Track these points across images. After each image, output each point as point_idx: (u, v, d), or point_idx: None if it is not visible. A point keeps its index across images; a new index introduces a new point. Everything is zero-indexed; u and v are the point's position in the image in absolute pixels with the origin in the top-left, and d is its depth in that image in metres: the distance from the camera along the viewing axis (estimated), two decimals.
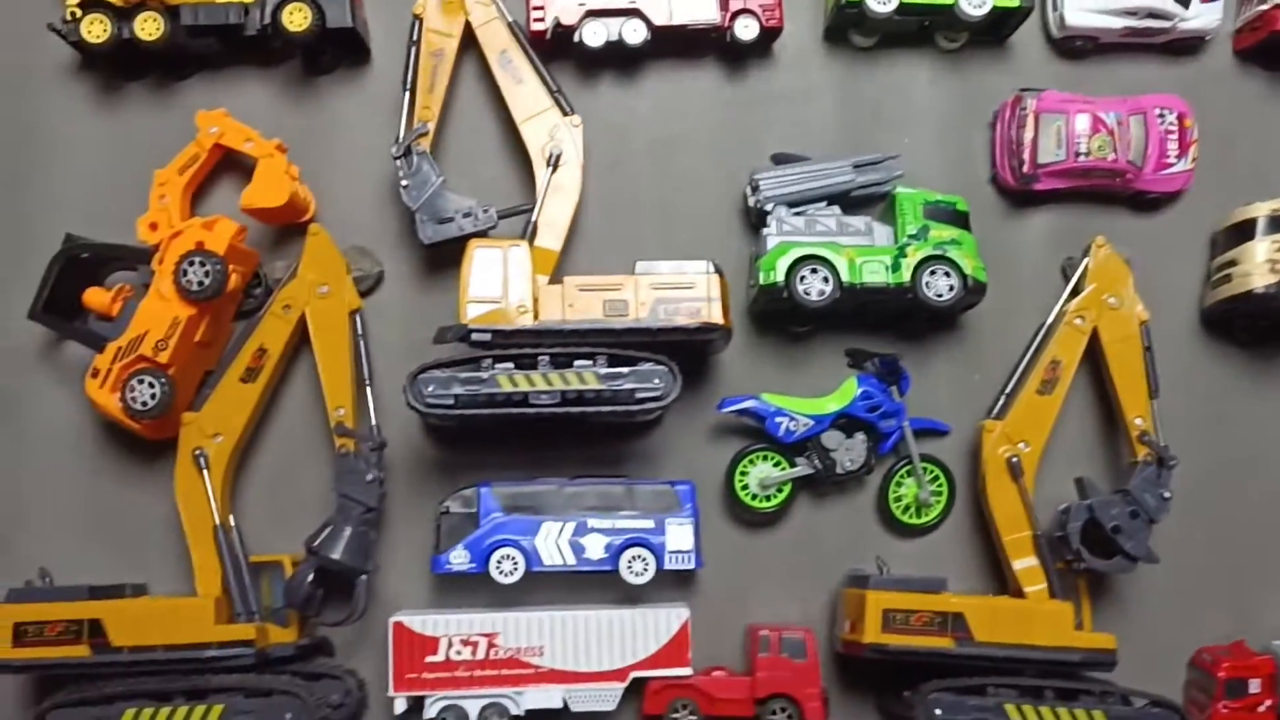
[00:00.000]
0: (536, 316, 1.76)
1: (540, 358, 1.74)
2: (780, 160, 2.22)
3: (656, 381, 1.75)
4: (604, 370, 1.74)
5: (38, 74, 1.91)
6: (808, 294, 2.12)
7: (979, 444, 2.10)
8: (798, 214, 2.22)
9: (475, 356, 1.76)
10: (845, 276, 2.20)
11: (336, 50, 1.95)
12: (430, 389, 1.74)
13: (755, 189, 2.17)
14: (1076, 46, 2.00)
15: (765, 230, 2.23)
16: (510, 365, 1.75)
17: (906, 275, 2.22)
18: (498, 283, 1.77)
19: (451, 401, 1.73)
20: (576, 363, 1.75)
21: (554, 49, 1.93)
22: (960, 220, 2.35)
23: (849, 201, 2.28)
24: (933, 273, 2.19)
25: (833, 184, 2.22)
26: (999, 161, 1.96)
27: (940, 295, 2.18)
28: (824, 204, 2.27)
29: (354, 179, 1.95)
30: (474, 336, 1.74)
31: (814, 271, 2.17)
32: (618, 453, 1.94)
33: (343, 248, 1.91)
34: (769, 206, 2.18)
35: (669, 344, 1.79)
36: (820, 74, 2.01)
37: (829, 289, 2.15)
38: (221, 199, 1.93)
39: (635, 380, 1.75)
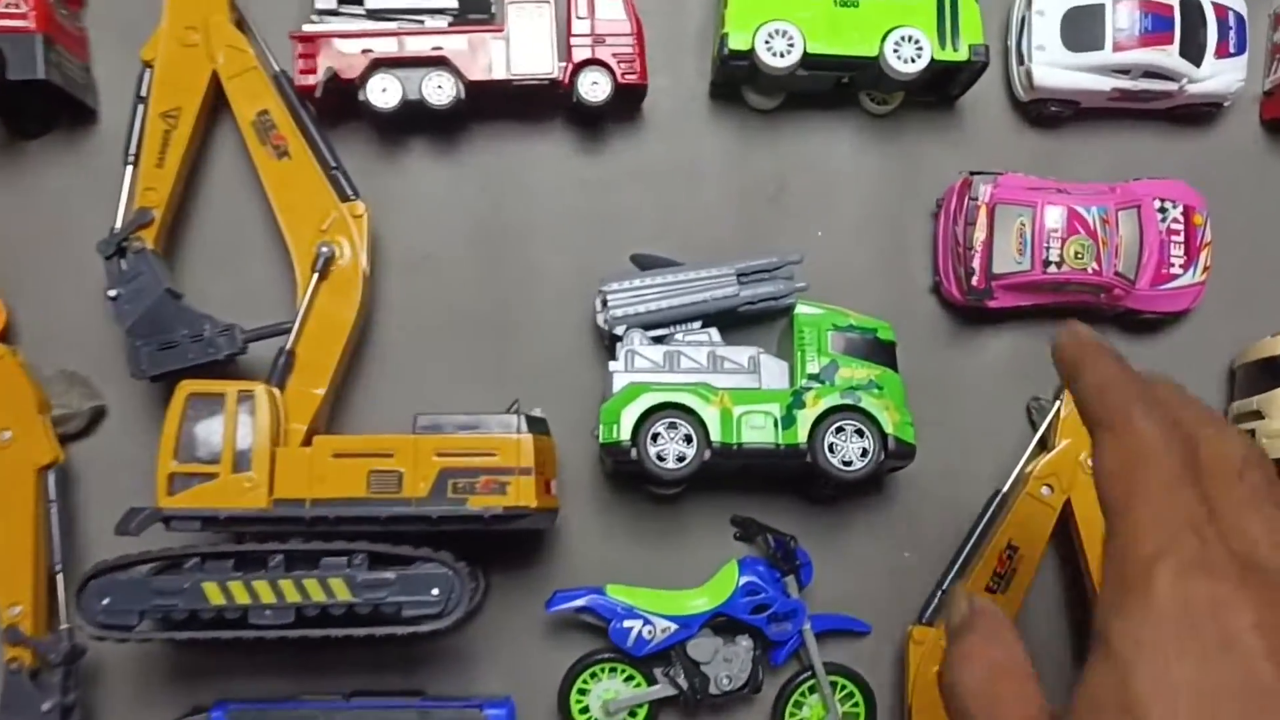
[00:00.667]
0: (272, 494, 1.24)
1: (272, 556, 1.23)
2: (642, 264, 1.32)
3: (435, 592, 1.24)
4: (361, 576, 1.23)
5: None
6: (662, 460, 1.18)
7: (906, 651, 1.52)
8: (658, 340, 1.26)
9: (179, 553, 1.25)
10: (716, 434, 1.20)
11: (47, 108, 1.44)
12: (105, 602, 1.23)
13: (604, 304, 1.29)
14: (1050, 113, 1.48)
15: (612, 364, 1.26)
16: (228, 566, 1.24)
17: (802, 433, 1.21)
18: (217, 442, 1.26)
19: (135, 620, 1.22)
20: (323, 563, 1.24)
21: (337, 110, 1.42)
22: (883, 354, 1.29)
23: (733, 322, 1.32)
24: (839, 430, 1.21)
25: (709, 299, 1.29)
26: (942, 266, 1.44)
27: (849, 463, 1.21)
28: (696, 325, 1.29)
29: (68, 281, 1.44)
30: (175, 525, 1.23)
31: (672, 427, 1.19)
32: (411, 657, 1.42)
33: (45, 375, 1.40)
34: (619, 329, 1.27)
35: (458, 534, 1.28)
36: (705, 143, 1.48)
37: (691, 454, 1.18)
38: None
39: (403, 591, 1.24)
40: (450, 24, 1.40)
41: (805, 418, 1.21)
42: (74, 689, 1.35)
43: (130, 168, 1.38)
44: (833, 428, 1.21)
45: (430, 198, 1.47)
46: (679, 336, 1.26)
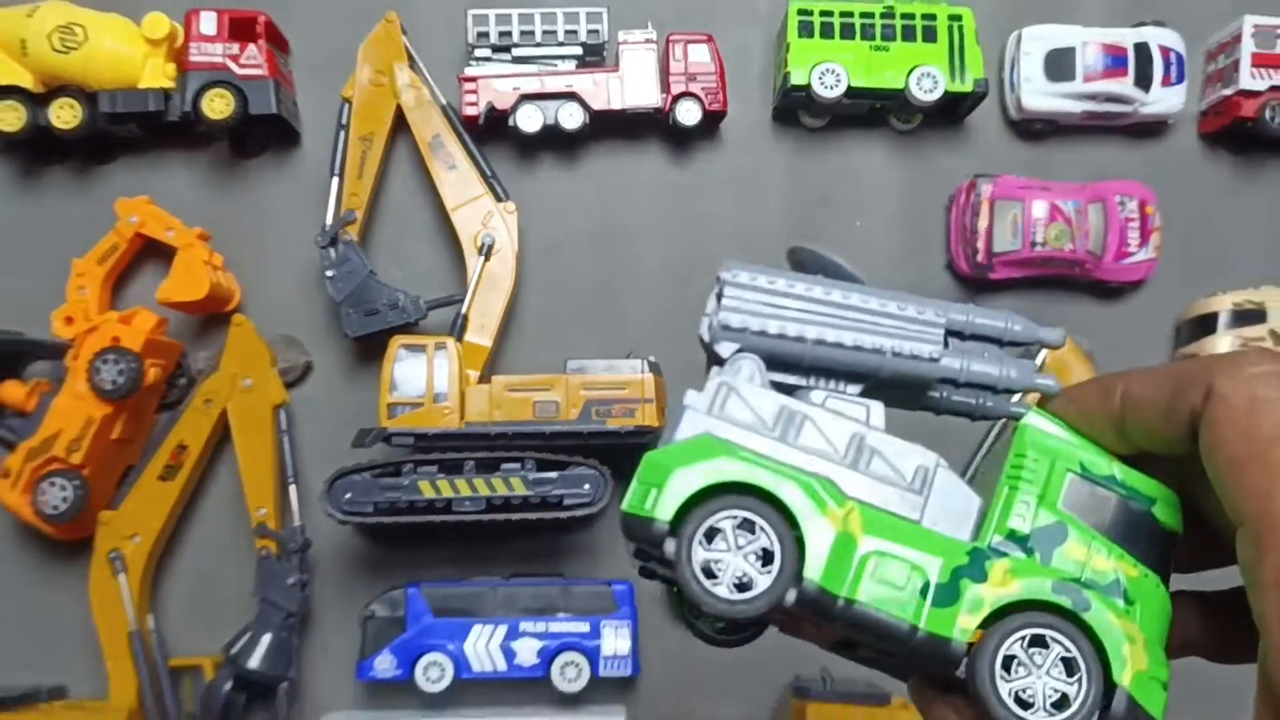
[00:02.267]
0: (463, 418, 1.70)
1: (465, 463, 1.68)
2: (802, 264, 0.61)
3: (586, 487, 1.69)
4: (532, 475, 1.68)
5: None
6: (712, 576, 0.52)
7: None
8: (780, 386, 0.58)
9: (397, 461, 1.70)
10: (816, 571, 0.52)
11: (264, 134, 1.89)
12: (348, 496, 1.68)
13: (718, 299, 0.58)
14: (1035, 129, 1.93)
15: (691, 396, 0.56)
16: (434, 469, 1.69)
17: (965, 623, 0.52)
18: (422, 381, 1.71)
19: (370, 509, 1.67)
20: (504, 467, 1.69)
21: (489, 133, 1.87)
22: (1152, 544, 0.55)
23: (898, 397, 0.60)
24: (1033, 643, 0.51)
25: (887, 351, 0.57)
26: (953, 249, 1.89)
27: (1029, 705, 0.51)
28: (852, 390, 0.59)
29: (282, 266, 1.88)
30: (395, 440, 1.68)
31: (745, 529, 0.52)
32: (555, 548, 1.87)
33: (269, 338, 1.85)
34: (725, 346, 0.57)
35: (601, 447, 1.73)
36: (768, 156, 1.94)
37: (761, 584, 0.52)
38: (144, 287, 1.87)
39: (563, 486, 1.69)
40: (577, 66, 1.86)
41: (979, 600, 0.53)
42: (305, 570, 1.80)
43: (336, 179, 1.83)
44: (1022, 637, 0.53)
45: (559, 200, 1.92)
46: (815, 395, 0.59)
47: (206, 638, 1.81)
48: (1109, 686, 0.50)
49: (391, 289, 1.80)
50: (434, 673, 1.75)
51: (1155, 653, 0.51)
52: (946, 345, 0.57)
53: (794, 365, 0.57)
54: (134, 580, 1.77)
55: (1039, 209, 1.84)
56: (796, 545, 0.52)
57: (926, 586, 0.52)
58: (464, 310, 1.79)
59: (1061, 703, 0.50)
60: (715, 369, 0.56)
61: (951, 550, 0.53)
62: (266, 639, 1.73)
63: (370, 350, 1.86)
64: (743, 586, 0.52)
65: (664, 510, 0.52)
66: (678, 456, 0.53)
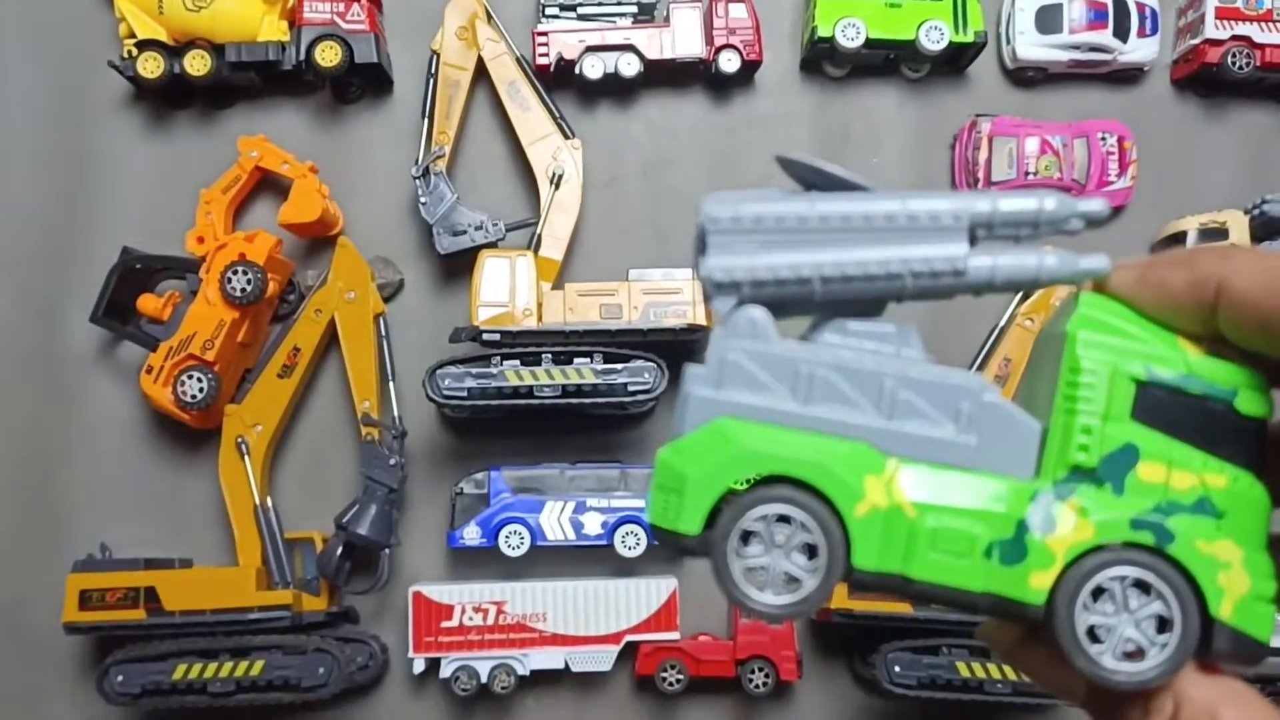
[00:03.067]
0: (540, 319, 1.99)
1: (543, 356, 1.98)
2: (801, 176, 0.49)
3: (646, 376, 1.98)
4: (600, 366, 1.98)
5: (97, 105, 2.14)
6: (756, 579, 0.47)
7: None
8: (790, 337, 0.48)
9: (486, 355, 2.00)
10: (870, 558, 0.46)
11: (363, 82, 2.18)
12: (446, 383, 1.99)
13: (702, 245, 0.48)
14: (1028, 76, 2.22)
15: (693, 370, 0.48)
16: (516, 362, 1.99)
17: (1040, 581, 0.45)
18: (506, 289, 2.01)
19: (464, 394, 1.98)
20: (576, 360, 1.99)
21: (557, 80, 2.17)
22: (1237, 441, 0.46)
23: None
24: (1109, 589, 0.45)
25: (909, 265, 0.47)
26: (957, 179, 2.19)
27: (1127, 654, 0.45)
28: (873, 322, 0.49)
29: (378, 197, 2.18)
30: (484, 337, 1.98)
31: (782, 523, 0.47)
32: (612, 441, 2.17)
33: (368, 258, 2.13)
34: (724, 301, 0.49)
35: (659, 343, 2.04)
36: (797, 101, 2.24)
37: (811, 580, 0.47)
38: (260, 215, 2.17)
39: (628, 375, 1.99)
40: (633, 22, 2.17)
41: (1049, 554, 0.46)
42: (402, 453, 2.10)
43: (426, 120, 2.13)
44: (1101, 581, 0.46)
45: (617, 138, 2.22)
46: (830, 337, 0.49)
47: (316, 516, 2.12)
48: (1206, 619, 0.44)
49: (475, 213, 2.10)
50: (514, 540, 2.06)
51: (1257, 565, 0.44)
52: (972, 242, 0.47)
53: (805, 306, 0.48)
54: (256, 463, 2.07)
55: (1031, 144, 2.14)
56: (841, 529, 0.46)
57: (990, 548, 0.45)
58: (538, 230, 2.09)
59: (1157, 644, 0.44)
60: (715, 330, 0.49)
61: (1013, 497, 0.46)
62: (373, 510, 2.03)
63: (454, 270, 2.16)
64: (791, 582, 0.46)
65: (689, 523, 0.47)
66: (691, 457, 0.46)
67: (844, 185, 0.48)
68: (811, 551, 0.46)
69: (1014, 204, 0.47)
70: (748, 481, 0.47)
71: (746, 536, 0.47)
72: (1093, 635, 0.45)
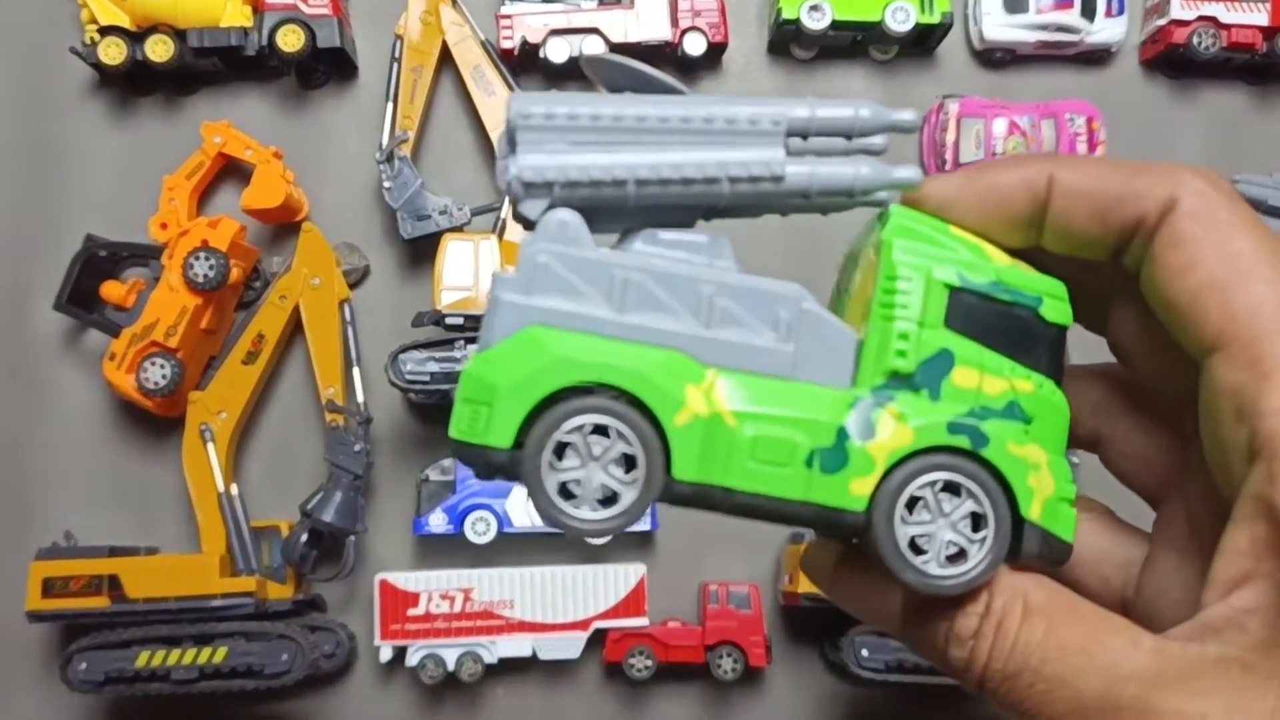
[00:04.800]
0: None
1: None
2: (608, 79, 0.51)
3: None
4: None
5: (60, 92, 2.17)
6: (570, 496, 0.46)
7: None
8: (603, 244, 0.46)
9: (449, 339, 2.03)
10: (688, 469, 0.46)
11: (327, 67, 2.21)
12: (409, 367, 2.01)
13: (511, 144, 0.47)
14: (996, 58, 2.25)
15: (499, 276, 0.47)
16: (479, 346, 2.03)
17: (860, 489, 0.46)
18: (469, 273, 2.04)
19: (427, 378, 2.01)
20: None
21: (522, 64, 2.20)
22: (1042, 349, 0.48)
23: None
24: (925, 494, 0.47)
25: (725, 170, 0.47)
26: (925, 160, 2.23)
27: (943, 561, 0.47)
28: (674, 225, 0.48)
29: (342, 182, 2.21)
30: (447, 320, 2.01)
31: (598, 435, 0.46)
32: None
33: (333, 244, 2.16)
34: (532, 205, 0.47)
35: None
36: (764, 83, 2.27)
37: (628, 495, 0.46)
38: (224, 201, 2.20)
39: None
40: (598, 5, 2.20)
41: (869, 459, 0.46)
42: (367, 440, 2.13)
43: (390, 104, 2.16)
44: (918, 488, 0.47)
45: None
46: (642, 245, 0.49)
47: (282, 503, 2.14)
48: (1017, 520, 0.45)
49: (440, 198, 2.13)
50: (480, 527, 2.09)
51: (1059, 468, 0.47)
52: (789, 152, 0.47)
53: (618, 213, 0.48)
54: (220, 450, 2.09)
55: (999, 125, 2.17)
56: (660, 440, 0.45)
57: (811, 455, 0.45)
58: (502, 215, 2.12)
59: (968, 550, 0.45)
60: (525, 237, 0.47)
61: (832, 405, 0.46)
62: (338, 497, 2.06)
63: (419, 256, 2.20)
64: (607, 501, 0.45)
65: (499, 436, 0.45)
66: (501, 367, 0.45)
67: (660, 87, 0.48)
68: (630, 463, 0.45)
69: (831, 110, 0.48)
70: (561, 390, 0.45)
71: (561, 450, 0.45)
72: (915, 547, 0.46)
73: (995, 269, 0.47)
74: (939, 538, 0.46)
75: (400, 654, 2.10)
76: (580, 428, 0.45)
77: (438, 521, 2.10)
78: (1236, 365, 0.42)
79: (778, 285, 0.47)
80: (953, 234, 0.48)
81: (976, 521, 0.46)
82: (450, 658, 2.08)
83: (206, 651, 1.96)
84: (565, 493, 0.45)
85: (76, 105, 2.20)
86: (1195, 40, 2.13)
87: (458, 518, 2.09)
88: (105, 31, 2.08)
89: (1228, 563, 0.41)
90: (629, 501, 0.45)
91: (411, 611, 2.08)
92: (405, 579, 2.09)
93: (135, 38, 2.10)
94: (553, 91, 0.52)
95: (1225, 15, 2.11)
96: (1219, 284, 0.42)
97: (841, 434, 0.46)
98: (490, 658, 2.09)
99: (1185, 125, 2.26)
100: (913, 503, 0.46)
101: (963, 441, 0.45)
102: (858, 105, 0.48)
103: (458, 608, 2.09)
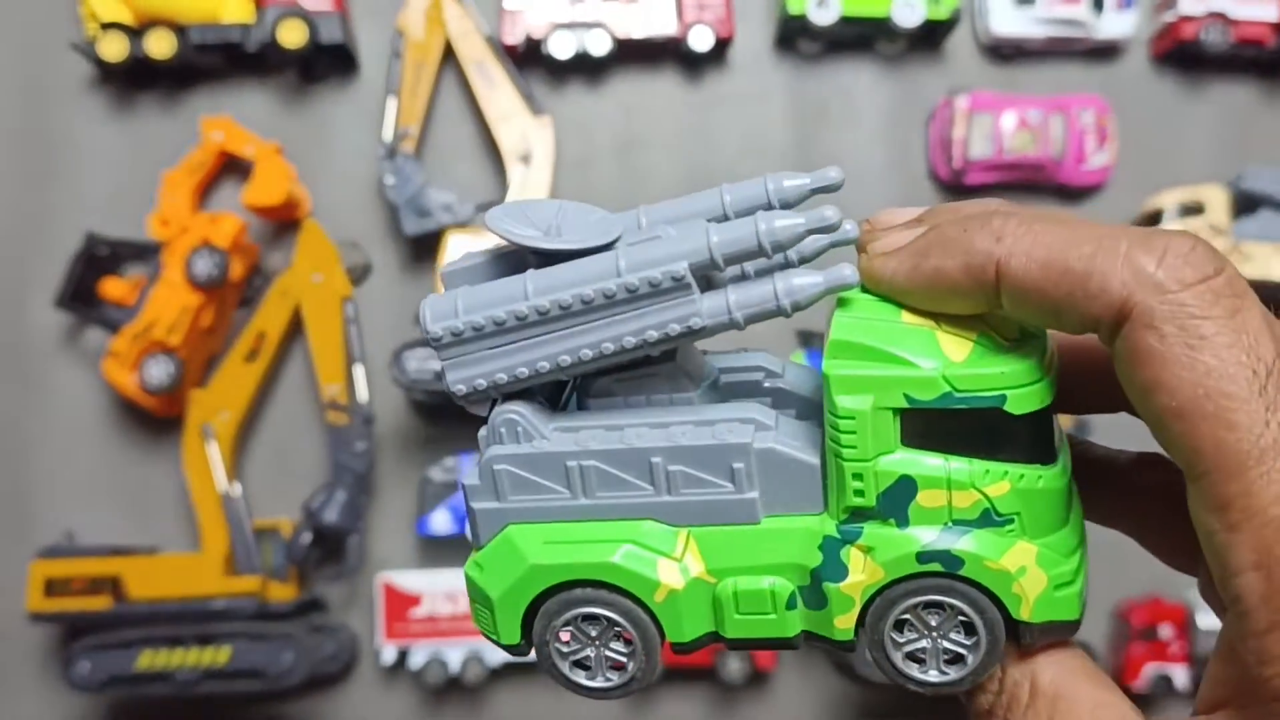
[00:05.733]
0: None
1: None
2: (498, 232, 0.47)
3: None
4: None
5: (60, 88, 2.19)
6: (584, 668, 0.50)
7: None
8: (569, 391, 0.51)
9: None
10: (680, 632, 0.49)
11: (328, 63, 2.22)
12: (412, 365, 2.02)
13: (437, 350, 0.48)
14: (1004, 53, 2.27)
15: (470, 498, 0.50)
16: None
17: (844, 623, 0.48)
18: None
19: (430, 376, 2.01)
20: None
21: (526, 59, 2.20)
22: (1019, 435, 0.45)
23: None
24: (913, 616, 0.47)
25: (643, 344, 0.46)
26: (934, 156, 2.23)
27: (940, 668, 0.47)
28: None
29: (344, 179, 2.22)
30: None
31: (589, 623, 0.49)
32: None
33: (335, 241, 2.18)
34: (480, 411, 0.50)
35: None
36: (771, 78, 2.28)
37: (634, 665, 0.50)
38: (225, 197, 2.20)
39: None
40: None
41: (846, 598, 0.47)
42: (369, 439, 2.14)
43: (393, 99, 2.17)
44: (901, 613, 0.47)
45: (587, 118, 2.25)
46: (595, 398, 0.51)
47: (285, 502, 2.15)
48: (1012, 625, 0.45)
49: (443, 194, 2.14)
50: None
51: (1051, 556, 0.45)
52: (710, 282, 0.47)
53: (563, 384, 0.51)
54: (222, 449, 2.10)
55: (1008, 120, 2.18)
56: (649, 614, 0.48)
57: (793, 598, 0.47)
58: None
59: (962, 656, 0.46)
60: (480, 434, 0.49)
61: (803, 545, 0.46)
62: (340, 496, 2.06)
63: (421, 253, 2.20)
64: (618, 668, 0.49)
65: (506, 635, 0.50)
66: (491, 575, 0.49)
67: (551, 256, 0.46)
68: (628, 641, 0.49)
69: (729, 235, 0.45)
70: (551, 590, 0.48)
71: (564, 635, 0.49)
72: (913, 658, 0.47)
73: (946, 376, 0.43)
74: (934, 649, 0.47)
75: (403, 655, 2.10)
76: (574, 619, 0.48)
77: (441, 521, 2.10)
78: (1206, 506, 0.39)
79: (729, 434, 0.46)
80: (904, 325, 0.45)
81: (968, 626, 0.46)
82: (454, 659, 2.09)
83: (209, 652, 1.97)
84: (581, 664, 0.49)
85: (77, 101, 2.20)
86: (1205, 35, 2.14)
87: (461, 517, 2.09)
88: (106, 27, 2.08)
89: (1209, 687, 0.42)
90: (634, 670, 0.49)
91: (414, 612, 2.09)
92: (408, 579, 2.09)
93: (136, 33, 2.10)
94: (460, 291, 0.48)
95: (1234, 10, 2.12)
96: (1182, 412, 0.38)
97: (816, 575, 0.47)
98: (494, 660, 2.09)
99: (1195, 119, 2.26)
100: (901, 624, 0.47)
101: (935, 567, 0.45)
102: (758, 220, 0.44)
103: (461, 608, 2.10)
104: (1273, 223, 2.10)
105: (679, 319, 0.45)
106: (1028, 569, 0.45)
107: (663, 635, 0.48)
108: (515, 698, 2.15)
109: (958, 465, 0.44)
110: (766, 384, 0.52)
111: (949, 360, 0.44)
